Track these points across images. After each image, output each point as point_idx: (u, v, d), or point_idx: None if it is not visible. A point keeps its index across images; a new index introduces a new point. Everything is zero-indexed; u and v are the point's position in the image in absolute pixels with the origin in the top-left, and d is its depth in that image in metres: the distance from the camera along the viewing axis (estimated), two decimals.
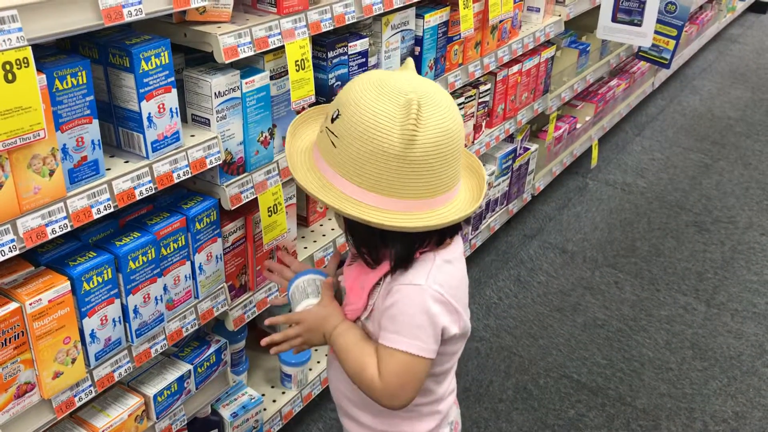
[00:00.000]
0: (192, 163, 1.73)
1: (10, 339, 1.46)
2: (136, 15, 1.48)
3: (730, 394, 2.83)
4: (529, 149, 3.62)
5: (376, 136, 1.27)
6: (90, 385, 1.69)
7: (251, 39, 1.77)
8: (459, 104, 2.86)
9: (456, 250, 1.47)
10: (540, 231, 3.82)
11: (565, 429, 2.65)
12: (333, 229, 2.47)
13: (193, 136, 1.77)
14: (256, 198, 1.96)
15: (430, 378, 1.50)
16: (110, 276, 1.63)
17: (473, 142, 3.07)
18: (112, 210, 1.57)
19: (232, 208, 1.91)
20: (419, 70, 2.50)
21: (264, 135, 1.94)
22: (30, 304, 1.47)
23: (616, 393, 2.82)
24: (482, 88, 3.00)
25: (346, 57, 2.14)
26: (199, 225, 1.84)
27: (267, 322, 1.57)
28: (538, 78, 3.41)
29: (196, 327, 1.94)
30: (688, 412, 2.75)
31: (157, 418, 1.91)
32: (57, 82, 1.42)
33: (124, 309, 1.71)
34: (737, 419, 2.72)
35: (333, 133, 1.33)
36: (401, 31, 2.38)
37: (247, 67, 1.87)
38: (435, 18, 2.49)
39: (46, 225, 1.45)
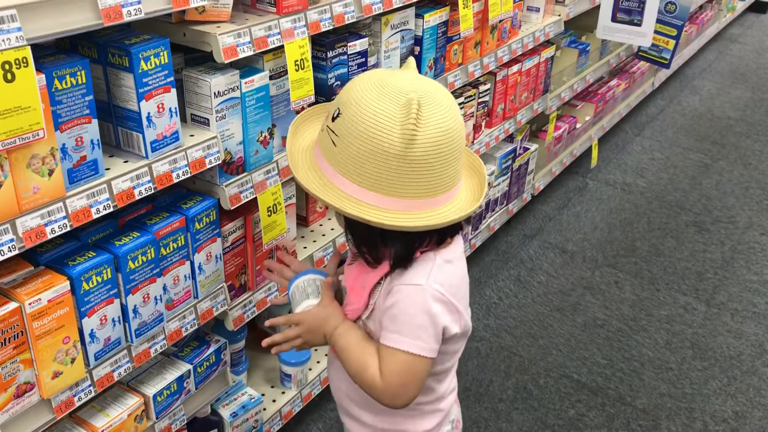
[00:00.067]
0: (191, 163, 1.73)
1: (9, 339, 1.46)
2: (135, 15, 1.48)
3: (730, 394, 2.83)
4: (528, 149, 3.62)
5: (376, 136, 1.27)
6: (89, 385, 1.69)
7: (251, 39, 1.77)
8: (459, 104, 2.86)
9: (456, 250, 1.47)
10: (540, 231, 3.82)
11: (565, 429, 2.65)
12: (333, 229, 2.47)
13: (192, 135, 1.77)
14: (256, 198, 1.96)
15: (432, 377, 1.50)
16: (110, 276, 1.63)
17: (473, 142, 3.07)
18: (111, 210, 1.57)
19: (232, 208, 1.91)
20: (419, 70, 2.49)
21: (263, 135, 1.94)
22: (29, 304, 1.47)
23: (616, 393, 2.82)
24: (482, 87, 3.00)
25: (345, 57, 2.14)
26: (198, 225, 1.84)
27: (267, 323, 1.58)
28: (537, 78, 3.41)
29: (196, 327, 1.94)
30: (688, 411, 2.75)
31: (157, 418, 1.91)
32: (56, 81, 1.42)
33: (124, 309, 1.71)
34: (737, 419, 2.72)
35: (333, 132, 1.33)
36: (401, 30, 2.38)
37: (246, 66, 1.87)
38: (434, 18, 2.49)
39: (46, 225, 1.45)
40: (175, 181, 1.70)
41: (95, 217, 1.54)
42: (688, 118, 5.22)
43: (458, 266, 1.46)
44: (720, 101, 5.52)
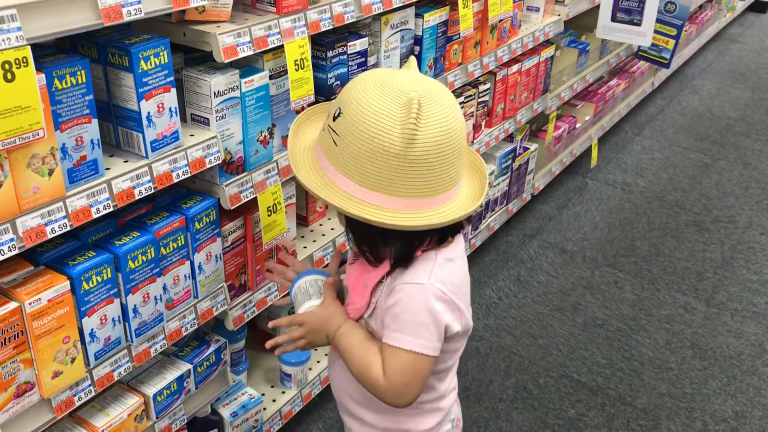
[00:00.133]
0: (191, 163, 1.73)
1: (9, 338, 1.46)
2: (135, 14, 1.48)
3: (730, 394, 2.83)
4: (528, 149, 3.62)
5: (376, 135, 1.27)
6: (89, 385, 1.69)
7: (250, 38, 1.77)
8: (458, 104, 2.85)
9: (458, 249, 1.47)
10: (540, 231, 3.82)
11: (565, 428, 2.65)
12: (333, 229, 2.47)
13: (192, 135, 1.77)
14: (256, 197, 1.96)
15: (433, 375, 1.51)
16: (110, 275, 1.63)
17: (473, 141, 3.07)
18: (111, 209, 1.57)
19: (232, 208, 1.91)
20: (419, 70, 2.49)
21: (263, 134, 1.94)
22: (29, 304, 1.47)
23: (615, 392, 2.82)
24: (482, 87, 3.00)
25: (345, 56, 2.14)
26: (198, 224, 1.84)
27: (270, 324, 1.58)
28: (537, 77, 3.41)
29: (196, 326, 1.94)
30: (688, 411, 2.75)
31: (157, 418, 1.91)
32: (56, 81, 1.42)
33: (124, 308, 1.71)
34: (737, 419, 2.72)
35: (334, 131, 1.33)
36: (400, 30, 2.38)
37: (246, 66, 1.87)
38: (434, 17, 2.49)
39: (46, 224, 1.45)
40: (175, 180, 1.70)
41: (95, 216, 1.54)
42: (687, 118, 5.23)
43: (459, 265, 1.46)
44: (720, 101, 5.52)
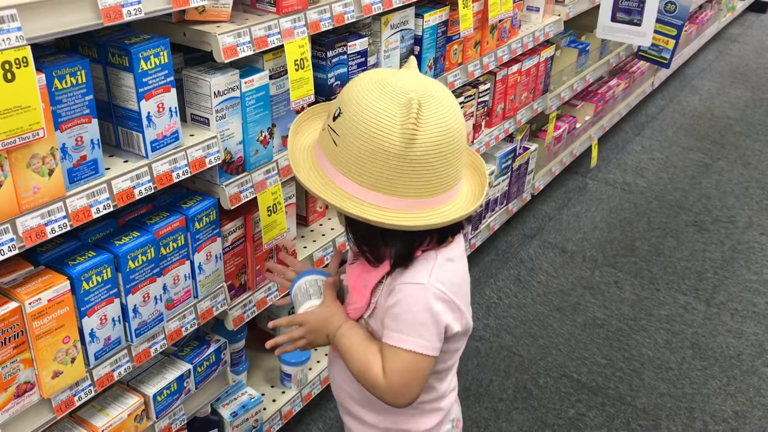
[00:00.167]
0: (191, 163, 1.73)
1: (9, 338, 1.47)
2: (135, 14, 1.48)
3: (730, 394, 2.83)
4: (528, 149, 3.62)
5: (376, 135, 1.27)
6: (89, 385, 1.69)
7: (250, 38, 1.77)
8: (458, 104, 2.85)
9: (458, 249, 1.47)
10: (540, 231, 3.82)
11: (565, 428, 2.65)
12: (333, 229, 2.47)
13: (192, 135, 1.77)
14: (256, 197, 1.96)
15: (433, 375, 1.51)
16: (110, 275, 1.63)
17: (473, 141, 3.07)
18: (111, 209, 1.57)
19: (232, 208, 1.91)
20: (418, 70, 2.49)
21: (263, 134, 1.94)
22: (29, 304, 1.48)
23: (615, 392, 2.82)
24: (482, 87, 3.00)
25: (345, 56, 2.14)
26: (198, 224, 1.84)
27: (270, 324, 1.58)
28: (537, 77, 3.41)
29: (196, 326, 1.94)
30: (688, 411, 2.75)
31: (157, 418, 1.91)
32: (56, 81, 1.42)
33: (124, 308, 1.71)
34: (737, 418, 2.72)
35: (334, 131, 1.33)
36: (400, 30, 2.38)
37: (246, 66, 1.87)
38: (434, 17, 2.49)
39: (46, 224, 1.45)
40: (175, 180, 1.70)
41: (95, 216, 1.54)
42: (687, 118, 5.23)
43: (459, 265, 1.46)
44: (720, 101, 5.52)
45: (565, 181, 4.28)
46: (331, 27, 1.99)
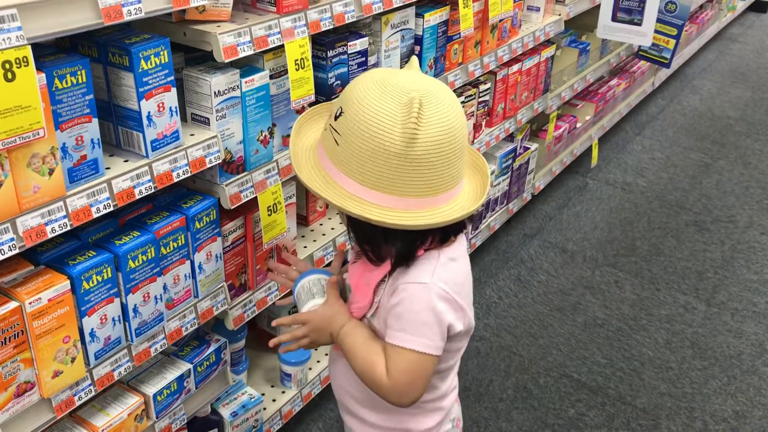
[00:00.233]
0: (191, 162, 1.73)
1: (9, 338, 1.46)
2: (135, 14, 1.48)
3: (730, 393, 2.83)
4: (529, 148, 3.62)
5: (377, 135, 1.27)
6: (90, 384, 1.69)
7: (251, 38, 1.77)
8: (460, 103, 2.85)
9: (460, 248, 1.47)
10: (540, 230, 3.82)
11: (565, 428, 2.65)
12: (333, 229, 2.47)
13: (192, 135, 1.77)
14: (256, 197, 1.96)
15: (435, 375, 1.51)
16: (110, 275, 1.63)
17: (473, 141, 3.07)
18: (111, 209, 1.57)
19: (232, 207, 1.91)
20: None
21: (264, 134, 1.94)
22: (30, 303, 1.47)
23: (616, 392, 2.82)
24: (482, 87, 3.00)
25: (345, 56, 2.14)
26: (198, 224, 1.84)
27: (274, 323, 1.58)
28: (538, 77, 3.41)
29: (196, 326, 1.94)
30: (688, 411, 2.75)
31: (157, 417, 1.91)
32: (56, 81, 1.42)
33: (124, 308, 1.71)
34: (737, 418, 2.72)
35: (336, 130, 1.33)
36: (401, 30, 2.38)
37: (246, 66, 1.87)
38: (435, 17, 2.49)
39: (46, 224, 1.45)
40: (176, 180, 1.70)
41: (95, 216, 1.54)
42: (688, 118, 5.22)
43: (462, 264, 1.46)
44: (720, 101, 5.52)
45: (565, 180, 4.28)
46: (331, 27, 1.99)
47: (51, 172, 1.44)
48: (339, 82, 2.15)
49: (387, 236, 1.38)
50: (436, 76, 2.62)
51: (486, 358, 2.95)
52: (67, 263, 1.57)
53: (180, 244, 1.81)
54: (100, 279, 1.61)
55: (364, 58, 2.21)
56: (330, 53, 2.09)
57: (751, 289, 3.43)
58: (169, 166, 1.68)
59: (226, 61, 1.72)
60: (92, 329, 1.64)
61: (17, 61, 1.28)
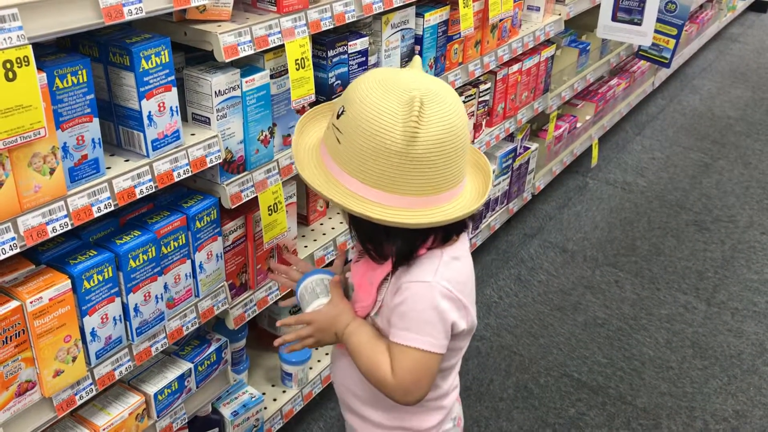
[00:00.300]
0: (192, 162, 1.73)
1: (10, 337, 1.47)
2: (136, 14, 1.49)
3: (731, 393, 2.83)
4: (529, 148, 3.62)
5: (378, 133, 1.27)
6: (91, 384, 1.69)
7: (251, 38, 1.77)
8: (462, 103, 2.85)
9: (463, 247, 1.47)
10: (540, 230, 3.82)
11: (566, 428, 2.66)
12: (333, 228, 2.47)
13: (193, 134, 1.78)
14: (257, 197, 1.97)
15: (437, 373, 1.51)
16: (111, 274, 1.64)
17: (473, 141, 3.07)
18: (112, 208, 1.58)
19: (233, 207, 1.91)
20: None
21: (264, 134, 1.94)
22: (31, 303, 1.48)
23: (616, 392, 2.82)
24: (482, 87, 3.00)
25: (346, 56, 2.14)
26: (199, 224, 1.84)
27: (279, 323, 1.58)
28: (538, 77, 3.41)
29: (197, 325, 1.95)
30: (688, 410, 2.75)
31: (158, 417, 1.91)
32: (57, 80, 1.42)
33: (125, 307, 1.71)
34: (738, 418, 2.72)
35: (338, 129, 1.34)
36: (401, 30, 2.38)
37: (247, 65, 1.87)
38: (435, 17, 2.49)
39: (47, 223, 1.45)
40: (176, 179, 1.70)
41: (96, 215, 1.54)
42: (688, 118, 5.23)
43: (465, 263, 1.46)
44: (720, 101, 5.52)
45: (565, 180, 4.28)
46: (331, 26, 1.99)
47: (52, 171, 1.44)
48: (339, 81, 2.16)
49: (389, 234, 1.38)
50: (436, 75, 2.62)
51: (486, 358, 2.95)
52: (68, 263, 1.57)
53: (181, 243, 1.81)
54: (100, 278, 1.61)
55: (364, 58, 2.22)
56: (330, 53, 2.09)
57: (751, 289, 3.43)
58: (169, 166, 1.68)
59: (227, 60, 1.72)
60: (93, 328, 1.64)
61: (18, 60, 1.28)
